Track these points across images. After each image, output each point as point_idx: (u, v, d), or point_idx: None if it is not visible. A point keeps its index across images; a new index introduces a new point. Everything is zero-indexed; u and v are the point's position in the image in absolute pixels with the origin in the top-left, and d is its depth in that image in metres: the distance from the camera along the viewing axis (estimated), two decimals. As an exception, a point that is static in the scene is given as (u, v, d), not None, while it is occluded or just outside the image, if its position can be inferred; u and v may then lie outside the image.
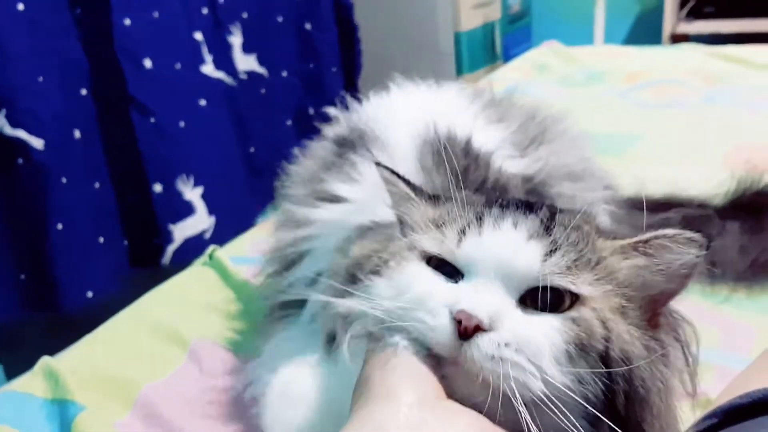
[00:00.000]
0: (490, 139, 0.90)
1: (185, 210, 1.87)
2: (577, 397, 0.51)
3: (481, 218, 0.57)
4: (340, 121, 1.00)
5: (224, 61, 2.07)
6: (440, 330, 0.51)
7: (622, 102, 1.84)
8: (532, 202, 0.62)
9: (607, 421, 0.51)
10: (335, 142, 0.94)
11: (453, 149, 0.83)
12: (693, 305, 0.97)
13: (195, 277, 1.13)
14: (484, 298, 0.52)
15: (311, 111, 2.37)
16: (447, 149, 0.80)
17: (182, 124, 1.85)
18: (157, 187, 1.81)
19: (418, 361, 0.52)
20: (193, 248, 1.81)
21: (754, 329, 0.94)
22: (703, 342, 0.83)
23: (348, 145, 0.90)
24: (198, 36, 1.94)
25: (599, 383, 0.52)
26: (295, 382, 0.70)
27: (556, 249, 0.54)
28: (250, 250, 1.19)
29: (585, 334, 0.52)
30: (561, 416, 0.50)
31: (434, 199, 0.63)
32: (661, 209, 1.13)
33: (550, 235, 0.55)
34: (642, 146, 1.54)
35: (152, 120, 1.77)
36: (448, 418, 0.49)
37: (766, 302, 1.00)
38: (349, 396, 0.55)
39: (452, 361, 0.52)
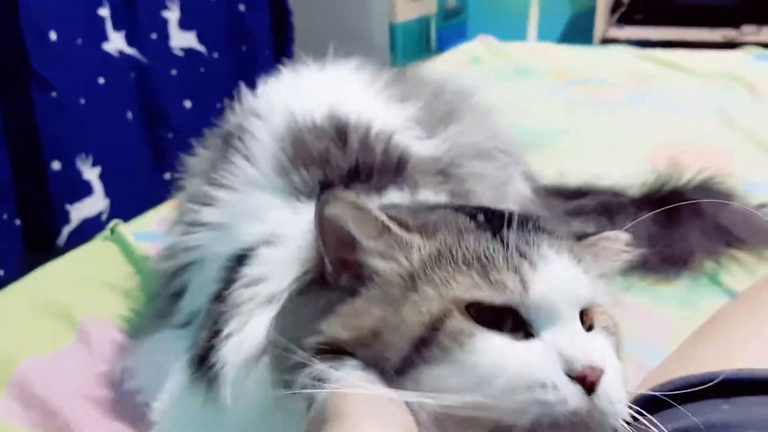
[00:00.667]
0: (392, 120, 0.84)
1: (84, 190, 1.78)
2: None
3: (512, 247, 0.49)
4: (234, 111, 0.90)
5: (146, 37, 1.98)
6: (571, 398, 0.44)
7: (550, 98, 1.84)
8: (515, 212, 0.55)
9: None
10: (222, 138, 0.85)
11: (324, 134, 0.76)
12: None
13: (94, 253, 1.07)
14: (586, 341, 0.48)
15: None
16: (317, 131, 0.75)
17: (82, 101, 1.76)
18: (56, 165, 1.71)
19: (389, 400, 0.44)
20: (90, 230, 1.68)
21: (667, 319, 0.94)
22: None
23: (231, 141, 0.81)
24: (103, 12, 1.84)
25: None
26: (183, 402, 0.63)
27: (584, 267, 0.52)
28: (156, 227, 1.12)
29: (615, 337, 0.52)
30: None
31: (422, 228, 0.51)
32: (577, 196, 1.12)
33: (573, 252, 0.52)
34: (566, 141, 1.54)
35: (53, 95, 1.67)
36: None
37: (679, 294, 1.00)
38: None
39: (577, 427, 0.45)
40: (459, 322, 0.46)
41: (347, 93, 0.86)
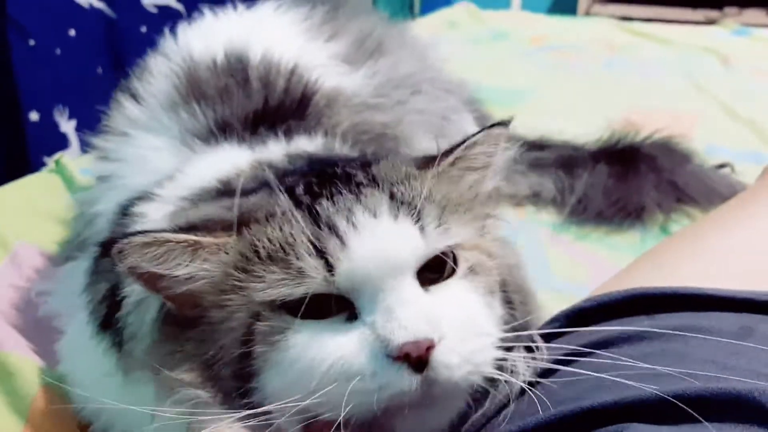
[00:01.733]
0: (312, 57, 0.81)
1: (61, 142, 1.76)
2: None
3: (322, 222, 0.45)
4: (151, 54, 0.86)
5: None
6: (394, 383, 0.42)
7: (522, 61, 1.83)
8: (331, 172, 0.51)
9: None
10: (130, 80, 0.81)
11: (223, 71, 0.74)
12: (562, 242, 1.00)
13: (38, 183, 1.05)
14: (409, 312, 0.43)
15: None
16: (212, 68, 0.73)
17: (58, 51, 1.74)
18: (33, 116, 1.69)
19: None
20: None
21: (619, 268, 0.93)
22: (572, 278, 0.84)
23: (131, 83, 0.79)
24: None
25: (505, 309, 0.51)
26: (86, 348, 0.58)
27: (419, 213, 0.47)
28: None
29: (486, 276, 0.49)
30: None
31: (227, 228, 0.47)
32: (536, 149, 1.11)
33: (403, 201, 0.47)
34: (532, 101, 1.53)
35: (31, 42, 1.65)
36: None
37: (632, 244, 1.00)
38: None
39: (416, 402, 0.43)
40: (267, 323, 0.44)
41: (261, 32, 0.82)
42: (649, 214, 1.04)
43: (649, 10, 3.01)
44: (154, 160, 0.62)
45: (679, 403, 0.42)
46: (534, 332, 0.53)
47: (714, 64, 1.74)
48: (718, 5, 2.97)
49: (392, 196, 0.47)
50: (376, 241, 0.45)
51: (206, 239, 0.46)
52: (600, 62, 1.81)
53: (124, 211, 0.60)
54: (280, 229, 0.46)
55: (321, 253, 0.44)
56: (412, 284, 0.45)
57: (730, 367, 0.46)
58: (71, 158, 1.10)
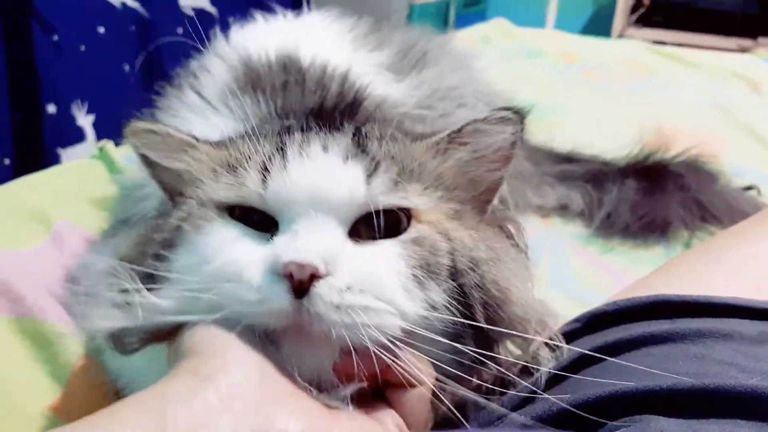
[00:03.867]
0: (359, 65, 0.85)
1: (76, 135, 1.78)
2: (435, 323, 0.47)
3: (282, 148, 0.50)
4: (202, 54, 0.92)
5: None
6: (271, 299, 0.43)
7: (554, 77, 1.84)
8: (334, 120, 0.56)
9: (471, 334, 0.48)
10: (183, 77, 0.88)
11: (274, 69, 0.77)
12: (587, 253, 1.02)
13: (81, 169, 1.08)
14: (310, 240, 0.45)
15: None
16: (270, 66, 0.76)
17: (83, 48, 1.76)
18: (51, 108, 1.71)
19: (234, 336, 0.44)
20: None
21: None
22: (596, 288, 0.84)
23: (188, 79, 0.84)
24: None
25: (454, 300, 0.48)
26: None
27: (377, 166, 0.48)
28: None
29: (429, 253, 0.48)
30: (422, 349, 0.46)
31: (219, 143, 0.55)
32: (565, 162, 1.13)
33: (366, 151, 0.50)
34: (561, 116, 1.53)
35: (54, 38, 1.68)
36: (264, 408, 0.40)
37: (656, 259, 1.01)
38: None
39: (291, 329, 0.44)
40: (204, 211, 0.48)
41: (312, 39, 0.87)
42: (675, 230, 1.05)
43: (683, 36, 3.03)
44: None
45: (700, 397, 0.44)
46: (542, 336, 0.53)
47: (743, 90, 1.74)
48: (752, 35, 2.98)
49: (358, 144, 0.50)
50: (313, 172, 0.47)
51: (200, 144, 0.54)
52: (629, 83, 1.82)
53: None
54: (248, 147, 0.51)
55: (264, 171, 0.48)
56: (333, 225, 0.47)
57: (750, 370, 0.47)
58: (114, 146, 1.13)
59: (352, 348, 0.44)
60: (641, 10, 3.27)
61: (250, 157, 0.50)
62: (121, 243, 0.54)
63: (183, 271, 0.47)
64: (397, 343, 0.45)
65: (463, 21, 3.46)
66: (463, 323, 0.47)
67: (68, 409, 0.66)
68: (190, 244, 0.49)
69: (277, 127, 0.55)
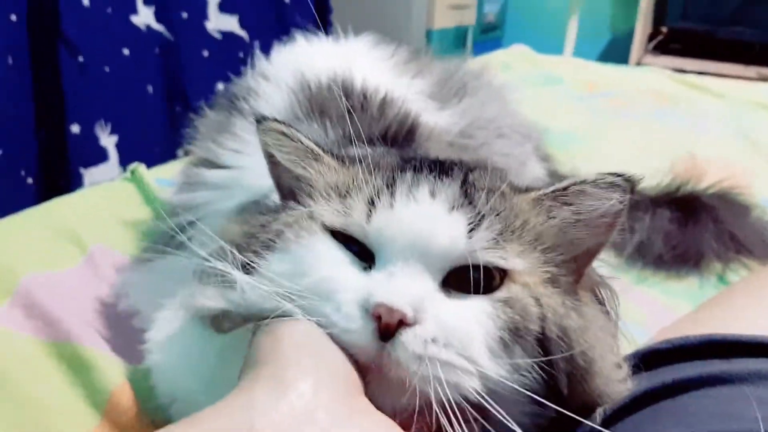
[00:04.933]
0: (404, 92, 0.86)
1: (99, 155, 1.80)
2: (516, 388, 0.45)
3: (392, 186, 0.50)
4: (244, 76, 0.93)
5: (176, 15, 2.00)
6: (356, 333, 0.44)
7: (575, 105, 1.84)
8: (444, 161, 0.56)
9: (552, 405, 0.46)
10: (227, 100, 0.87)
11: (337, 92, 0.78)
12: (618, 282, 1.00)
13: (113, 191, 1.08)
14: (404, 284, 0.45)
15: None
16: (331, 91, 0.75)
17: (107, 69, 1.78)
18: (75, 128, 1.73)
19: (327, 338, 0.45)
20: None
21: (675, 313, 0.93)
22: (629, 318, 0.83)
23: (236, 102, 0.84)
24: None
25: (538, 368, 0.46)
26: (177, 334, 0.61)
27: (481, 220, 0.48)
28: (176, 176, 1.13)
29: (519, 317, 0.46)
30: (499, 413, 0.44)
31: (342, 159, 0.55)
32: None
33: (472, 202, 0.49)
34: (587, 144, 1.54)
35: (80, 59, 1.70)
36: (348, 419, 0.40)
37: (689, 291, 1.00)
38: (218, 361, 0.52)
39: (370, 367, 0.44)
40: (309, 224, 0.50)
41: (359, 63, 0.87)
42: (707, 263, 1.04)
43: (702, 64, 3.04)
44: None
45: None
46: None
47: (767, 119, 1.74)
48: (771, 63, 2.98)
49: (465, 194, 0.49)
50: (418, 217, 0.47)
51: (326, 156, 0.54)
52: (652, 111, 1.82)
53: (245, 209, 0.66)
54: (363, 175, 0.51)
55: (370, 204, 0.49)
56: (428, 273, 0.46)
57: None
58: (147, 168, 1.13)
59: (432, 401, 0.43)
60: (659, 38, 3.27)
61: (360, 188, 0.51)
62: (233, 228, 0.55)
63: (277, 274, 0.48)
64: (470, 403, 0.44)
65: (480, 47, 3.47)
66: (544, 394, 0.46)
67: (105, 437, 0.65)
68: (288, 252, 0.49)
69: (392, 159, 0.55)
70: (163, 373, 0.62)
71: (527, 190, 0.52)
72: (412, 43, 3.15)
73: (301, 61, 0.86)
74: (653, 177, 1.18)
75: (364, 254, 0.48)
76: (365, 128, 0.75)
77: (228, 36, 2.14)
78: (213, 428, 0.39)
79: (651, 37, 3.30)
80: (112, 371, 0.69)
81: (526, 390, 0.46)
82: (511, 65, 2.22)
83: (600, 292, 0.55)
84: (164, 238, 0.80)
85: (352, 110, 0.77)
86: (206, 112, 0.90)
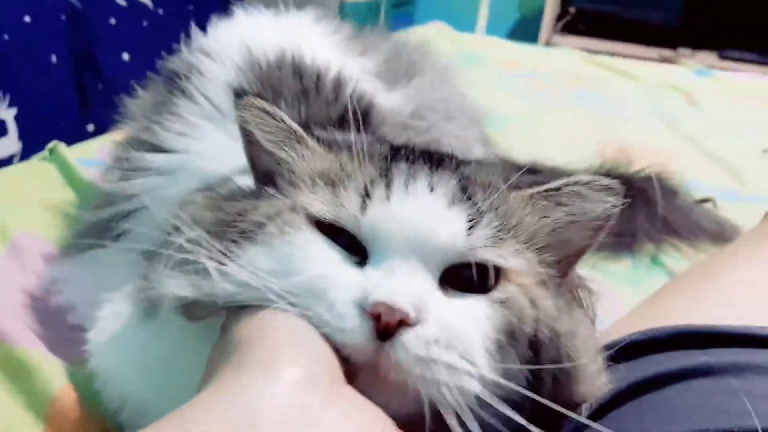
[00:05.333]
0: (353, 71, 0.82)
1: None
2: (503, 393, 0.43)
3: (385, 176, 0.47)
4: (180, 52, 0.86)
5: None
6: (351, 333, 0.41)
7: (498, 85, 1.85)
8: (433, 151, 0.54)
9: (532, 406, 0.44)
10: (165, 79, 0.82)
11: (286, 73, 0.74)
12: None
13: (31, 172, 1.00)
14: (404, 282, 0.43)
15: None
16: (283, 69, 0.72)
17: (6, 37, 1.66)
18: None
19: (311, 327, 0.42)
20: None
21: (615, 297, 0.95)
22: None
23: (176, 81, 0.78)
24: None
25: (527, 371, 0.45)
26: (124, 333, 0.57)
27: (480, 217, 0.46)
28: (98, 155, 1.06)
29: (516, 319, 0.45)
30: (489, 417, 0.42)
31: (327, 144, 0.52)
32: (528, 173, 1.13)
33: (472, 199, 0.47)
34: (514, 126, 1.55)
35: None
36: (340, 409, 0.39)
37: (624, 272, 1.02)
38: (171, 359, 0.50)
39: (367, 368, 0.42)
40: (293, 217, 0.46)
41: (304, 39, 0.83)
42: (640, 244, 1.07)
43: (608, 45, 3.13)
44: (236, 149, 0.60)
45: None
46: None
47: (681, 103, 1.80)
48: (673, 45, 3.10)
49: (463, 190, 0.47)
50: (417, 211, 0.45)
51: (309, 139, 0.51)
52: (571, 92, 1.85)
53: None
54: (352, 164, 0.48)
55: (364, 196, 0.46)
56: (426, 271, 0.44)
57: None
58: (66, 146, 1.05)
59: (426, 404, 0.41)
60: (567, 18, 3.35)
61: (351, 176, 0.48)
62: (205, 214, 0.50)
63: (262, 270, 0.44)
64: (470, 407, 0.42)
65: (393, 22, 3.45)
66: (528, 397, 0.44)
67: (49, 446, 0.60)
68: (273, 248, 0.45)
69: (382, 148, 0.52)
70: (109, 377, 0.58)
71: (519, 186, 0.51)
72: (326, 15, 3.10)
73: (246, 36, 0.81)
74: (583, 160, 1.20)
75: (353, 247, 0.46)
76: (322, 110, 0.72)
77: (132, 4, 2.03)
78: (214, 422, 0.36)
79: (559, 17, 3.36)
80: (53, 374, 0.64)
81: (513, 395, 0.44)
82: (431, 43, 2.21)
83: (580, 293, 0.54)
84: (97, 227, 0.75)
85: (306, 92, 0.74)
86: (139, 93, 0.84)
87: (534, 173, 1.16)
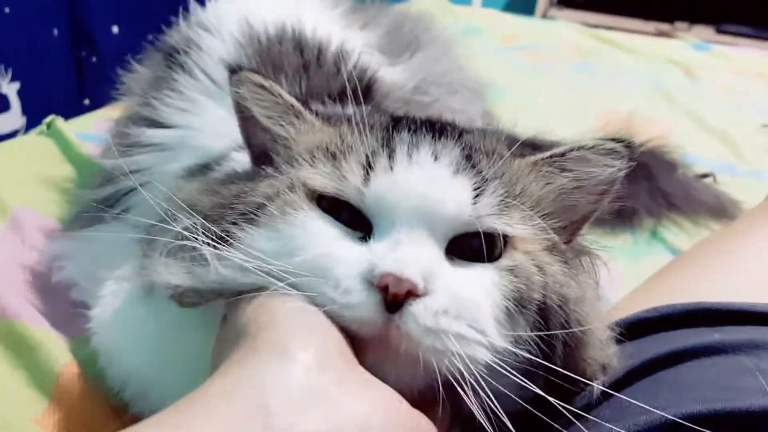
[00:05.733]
0: (351, 45, 0.81)
1: (0, 104, 1.66)
2: (516, 361, 0.43)
3: (387, 146, 0.46)
4: (177, 27, 0.85)
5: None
6: (358, 307, 0.40)
7: (497, 58, 1.84)
8: (435, 120, 0.53)
9: (545, 374, 0.45)
10: (164, 54, 0.81)
11: (287, 48, 0.73)
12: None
13: (29, 147, 0.98)
14: (411, 252, 0.42)
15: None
16: (283, 43, 0.72)
17: (6, 10, 1.63)
18: None
19: (316, 309, 0.41)
20: None
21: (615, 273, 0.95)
22: None
23: (175, 56, 0.77)
24: None
25: (537, 338, 0.45)
26: (126, 311, 0.57)
27: (485, 184, 0.45)
28: (95, 129, 1.05)
29: (525, 286, 0.45)
30: (500, 385, 0.42)
31: (325, 117, 0.51)
32: (529, 146, 1.12)
33: (476, 167, 0.46)
34: (513, 99, 1.54)
35: None
36: (354, 390, 0.38)
37: (624, 247, 1.02)
38: (171, 337, 0.49)
39: (375, 340, 0.41)
40: (294, 197, 0.45)
41: (304, 13, 0.82)
42: (640, 219, 1.07)
43: (604, 18, 3.10)
44: (233, 125, 0.59)
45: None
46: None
47: (680, 77, 1.79)
48: (669, 19, 3.08)
49: (467, 157, 0.47)
50: (422, 180, 0.44)
51: (307, 114, 0.50)
52: (570, 66, 1.84)
53: (194, 172, 0.61)
54: (352, 135, 0.48)
55: (367, 167, 0.45)
56: (433, 241, 0.44)
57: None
58: (64, 120, 1.04)
59: (437, 375, 0.41)
60: (563, -9, 3.31)
61: (352, 148, 0.47)
62: (202, 199, 0.49)
63: (264, 252, 0.44)
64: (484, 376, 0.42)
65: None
66: (540, 363, 0.45)
67: (55, 422, 0.59)
68: (275, 230, 0.45)
69: (382, 119, 0.51)
70: (112, 355, 0.58)
71: (523, 154, 0.50)
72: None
73: (245, 10, 0.80)
74: (584, 134, 1.19)
75: (355, 221, 0.45)
76: (323, 85, 0.71)
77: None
78: (232, 406, 0.36)
79: (555, -10, 3.33)
80: (57, 350, 0.64)
81: (525, 362, 0.44)
82: (427, 14, 2.19)
83: (586, 259, 0.54)
84: (99, 204, 0.74)
85: (307, 66, 0.73)
86: (136, 68, 0.83)
87: (534, 148, 1.15)
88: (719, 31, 3.03)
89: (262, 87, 0.50)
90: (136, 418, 0.54)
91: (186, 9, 0.85)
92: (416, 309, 0.40)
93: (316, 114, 0.51)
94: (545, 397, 0.44)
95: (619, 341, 0.54)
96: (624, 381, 0.50)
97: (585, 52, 1.95)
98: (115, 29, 2.01)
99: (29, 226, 0.80)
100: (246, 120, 0.51)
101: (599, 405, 0.49)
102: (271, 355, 0.38)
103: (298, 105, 0.50)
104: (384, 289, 0.40)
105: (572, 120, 1.39)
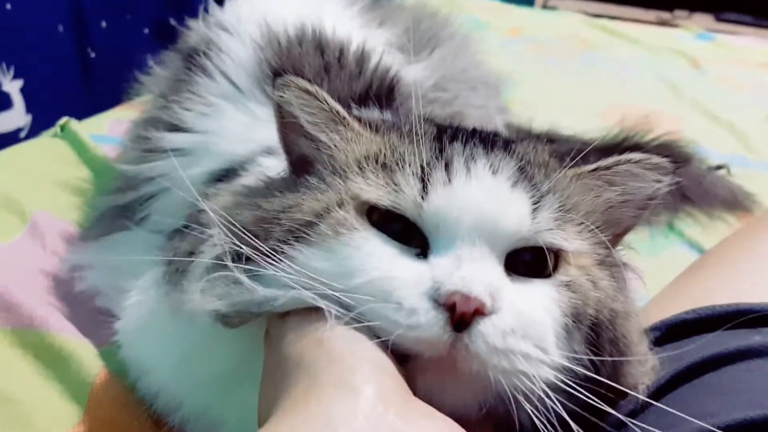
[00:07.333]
0: (370, 43, 0.80)
1: (2, 102, 1.63)
2: (570, 377, 0.43)
3: (440, 158, 0.45)
4: (196, 28, 0.84)
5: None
6: (425, 327, 0.39)
7: (503, 52, 1.83)
8: (481, 130, 0.52)
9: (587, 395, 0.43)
10: (184, 55, 0.80)
11: (308, 48, 0.72)
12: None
13: (44, 149, 0.98)
14: (476, 270, 0.41)
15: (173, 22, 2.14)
16: (303, 45, 0.71)
17: (8, 6, 1.61)
18: None
19: (373, 344, 0.40)
20: (6, 145, 1.58)
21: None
22: None
23: (195, 58, 0.76)
24: None
25: (588, 352, 0.44)
26: (152, 325, 0.56)
27: (542, 198, 0.45)
28: (108, 130, 1.04)
29: (581, 302, 0.44)
30: (556, 404, 0.41)
31: (371, 125, 0.49)
32: (546, 141, 1.12)
33: (532, 180, 0.46)
34: (521, 93, 1.53)
35: None
36: (416, 422, 0.37)
37: (642, 242, 1.01)
38: (201, 351, 0.48)
39: (437, 361, 0.40)
40: (345, 214, 0.44)
41: (324, 12, 0.81)
42: (657, 213, 1.06)
43: (604, 7, 3.09)
44: (259, 130, 0.58)
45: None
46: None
47: (686, 67, 1.79)
48: (668, 7, 3.07)
49: (521, 170, 0.46)
50: (482, 195, 0.43)
51: (353, 121, 0.49)
52: (576, 58, 1.84)
53: (220, 178, 0.60)
54: (403, 145, 0.46)
55: (424, 179, 0.44)
56: (493, 257, 0.43)
57: None
58: (78, 122, 1.03)
59: (509, 395, 0.40)
60: (563, -20, 3.30)
61: (404, 158, 0.45)
62: (243, 214, 0.47)
63: (320, 273, 0.42)
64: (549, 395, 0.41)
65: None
66: (587, 380, 0.44)
67: (92, 433, 0.59)
68: (329, 250, 0.43)
69: (430, 128, 0.49)
70: (141, 369, 0.57)
71: (570, 166, 0.49)
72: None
73: (264, 10, 0.79)
74: (600, 128, 1.19)
75: (409, 235, 0.44)
76: (345, 87, 0.70)
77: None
78: None
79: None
80: (89, 360, 0.63)
81: (578, 377, 0.44)
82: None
83: (621, 270, 0.53)
84: (119, 211, 0.74)
85: (329, 67, 0.72)
86: (155, 70, 0.82)
87: (551, 142, 1.15)
88: (719, 20, 3.02)
89: (308, 92, 0.48)
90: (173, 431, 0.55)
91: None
92: (485, 328, 0.40)
93: (360, 121, 0.50)
94: (594, 406, 0.44)
95: (659, 343, 0.54)
96: (669, 385, 0.50)
97: (590, 44, 1.94)
98: (103, 24, 1.99)
99: (49, 232, 0.79)
100: (287, 125, 0.50)
101: (644, 411, 0.48)
102: (337, 389, 0.38)
103: (343, 111, 0.49)
104: (451, 308, 0.39)
105: (582, 113, 1.39)
